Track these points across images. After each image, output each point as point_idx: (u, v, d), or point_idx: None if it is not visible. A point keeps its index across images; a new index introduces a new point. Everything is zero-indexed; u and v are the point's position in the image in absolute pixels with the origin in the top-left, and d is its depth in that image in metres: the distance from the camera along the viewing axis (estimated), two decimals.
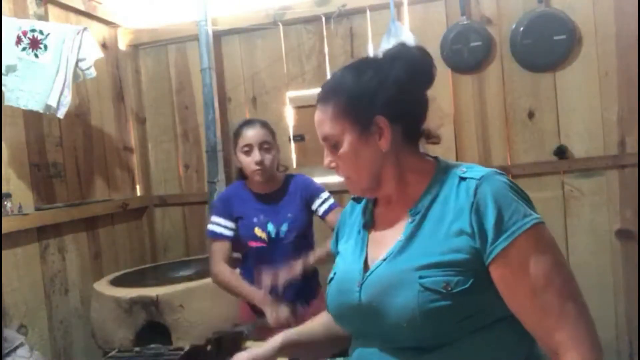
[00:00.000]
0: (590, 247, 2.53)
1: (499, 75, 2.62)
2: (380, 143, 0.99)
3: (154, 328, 2.17)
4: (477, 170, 0.96)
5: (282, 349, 1.18)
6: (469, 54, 2.59)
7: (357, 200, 1.19)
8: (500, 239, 0.88)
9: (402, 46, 1.04)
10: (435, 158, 1.06)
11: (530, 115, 2.59)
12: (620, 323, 2.51)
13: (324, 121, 1.02)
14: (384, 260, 0.98)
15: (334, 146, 1.02)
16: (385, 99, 0.98)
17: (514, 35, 2.55)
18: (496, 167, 2.59)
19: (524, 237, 0.87)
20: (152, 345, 1.74)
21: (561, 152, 2.53)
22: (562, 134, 2.56)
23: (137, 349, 1.74)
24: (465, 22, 2.59)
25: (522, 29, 2.52)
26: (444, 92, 2.67)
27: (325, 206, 2.02)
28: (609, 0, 2.46)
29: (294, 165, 2.91)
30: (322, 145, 1.06)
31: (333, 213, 2.00)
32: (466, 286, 0.88)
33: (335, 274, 1.11)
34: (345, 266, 1.09)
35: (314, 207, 2.02)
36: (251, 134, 1.92)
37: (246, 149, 1.91)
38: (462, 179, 0.96)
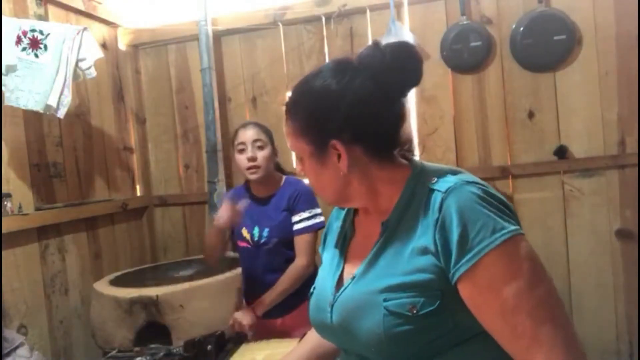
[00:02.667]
0: (590, 247, 2.53)
1: (499, 75, 2.62)
2: (339, 165, 0.92)
3: (154, 328, 2.17)
4: (446, 181, 0.88)
5: None
6: (469, 54, 2.59)
7: (342, 208, 1.14)
8: (464, 258, 0.80)
9: (374, 48, 0.95)
10: (411, 162, 0.98)
11: (530, 115, 2.59)
12: (620, 323, 2.51)
13: (287, 135, 0.98)
14: (353, 279, 0.94)
15: (300, 160, 0.99)
16: (340, 122, 0.90)
17: (514, 35, 2.55)
18: (496, 167, 2.63)
19: (492, 255, 0.79)
20: (152, 345, 1.75)
21: (561, 152, 2.53)
22: (562, 134, 2.56)
23: (137, 349, 1.74)
24: (465, 22, 2.59)
25: (522, 29, 2.52)
26: (444, 92, 2.67)
27: (300, 225, 1.98)
28: (609, 0, 2.46)
29: (294, 165, 2.90)
30: None
31: (301, 238, 1.97)
32: (433, 307, 0.82)
33: (314, 288, 1.07)
34: (322, 282, 1.05)
35: (293, 219, 1.99)
36: (244, 133, 1.99)
37: (240, 147, 1.99)
38: (431, 190, 0.88)
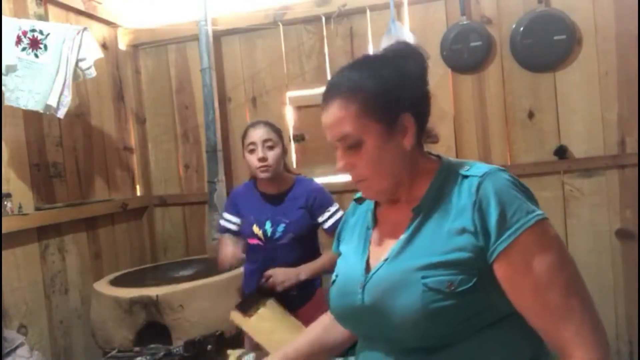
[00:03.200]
0: (590, 247, 2.53)
1: (499, 75, 2.62)
2: (403, 142, 0.96)
3: (154, 328, 2.17)
4: (480, 168, 0.95)
5: None
6: (469, 54, 2.59)
7: (360, 201, 1.17)
8: (503, 236, 0.87)
9: (404, 44, 1.03)
10: (438, 156, 1.05)
11: (530, 115, 2.59)
12: (620, 323, 2.51)
13: (343, 119, 0.96)
14: (386, 260, 0.97)
15: (353, 146, 0.96)
16: (411, 96, 0.97)
17: (514, 35, 2.55)
18: None
19: (527, 234, 0.86)
20: (152, 345, 1.75)
21: (561, 152, 2.53)
22: (562, 134, 2.56)
23: (137, 349, 1.74)
24: (465, 22, 2.59)
25: (522, 29, 2.52)
26: (444, 92, 2.67)
27: (332, 222, 2.01)
28: (609, 0, 2.46)
29: (294, 165, 2.90)
30: (333, 146, 1.01)
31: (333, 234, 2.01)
32: (470, 285, 0.87)
33: (337, 276, 1.09)
34: (347, 268, 1.07)
35: (320, 219, 2.02)
36: (255, 133, 1.99)
37: (251, 147, 1.98)
38: (464, 176, 0.95)
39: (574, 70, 2.52)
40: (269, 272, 1.91)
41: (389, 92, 0.95)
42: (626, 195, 2.48)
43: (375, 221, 1.09)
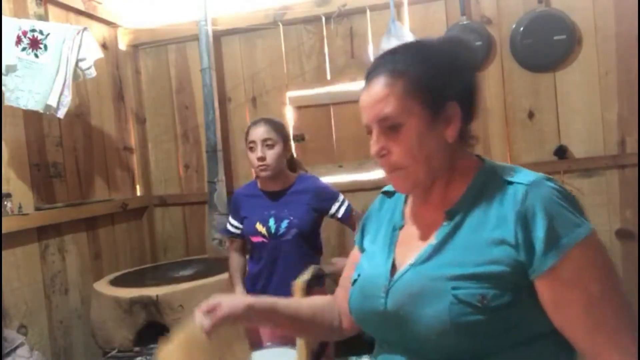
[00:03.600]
0: None
1: (499, 75, 2.62)
2: (446, 132, 0.89)
3: (154, 328, 2.17)
4: (526, 175, 0.88)
5: (252, 308, 0.98)
6: None
7: (389, 194, 1.09)
8: (550, 252, 0.79)
9: (457, 36, 1.00)
10: (479, 157, 0.97)
11: (530, 115, 2.59)
12: None
13: (386, 98, 0.88)
14: (413, 264, 0.90)
15: (392, 129, 0.88)
16: (460, 86, 0.90)
17: (514, 35, 2.55)
18: None
19: (577, 249, 0.80)
20: (152, 345, 1.75)
21: (561, 152, 2.53)
22: (562, 134, 2.56)
23: (137, 348, 1.74)
24: (465, 22, 2.59)
25: (522, 29, 2.52)
26: None
27: (343, 209, 2.06)
28: (609, 0, 2.46)
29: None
30: (367, 130, 0.93)
31: (351, 218, 2.07)
32: (504, 300, 0.80)
33: (359, 275, 1.01)
34: (370, 269, 1.00)
35: (332, 211, 2.06)
36: (255, 132, 2.00)
37: (251, 145, 1.99)
38: (509, 183, 0.87)
39: (574, 70, 2.52)
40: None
41: (438, 76, 0.88)
42: (626, 195, 2.48)
43: (402, 221, 1.01)
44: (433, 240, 0.90)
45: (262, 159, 1.96)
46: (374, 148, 0.91)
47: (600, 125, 2.50)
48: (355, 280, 1.01)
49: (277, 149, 1.99)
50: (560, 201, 0.83)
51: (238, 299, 1.04)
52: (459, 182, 0.92)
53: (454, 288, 0.82)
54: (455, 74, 0.90)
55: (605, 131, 2.50)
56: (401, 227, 1.01)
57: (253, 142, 1.98)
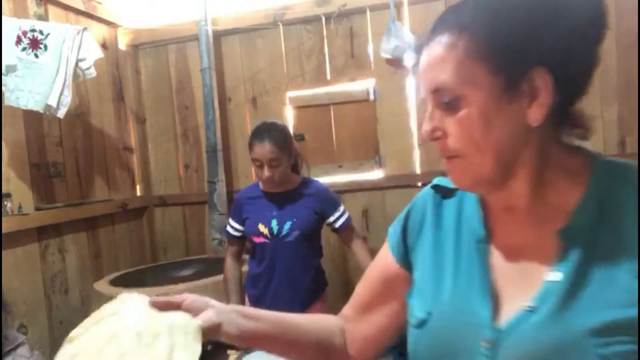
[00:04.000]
0: None
1: None
2: (529, 111, 0.63)
3: None
4: None
5: (236, 311, 0.78)
6: None
7: (446, 192, 0.79)
8: None
9: None
10: (587, 152, 0.72)
11: None
12: None
13: (444, 61, 0.64)
14: (532, 309, 0.63)
15: (450, 103, 0.64)
16: (555, 45, 0.61)
17: None
18: None
19: None
20: None
21: None
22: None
23: None
24: None
25: None
26: None
27: (342, 220, 2.07)
28: (609, 0, 2.45)
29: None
30: (426, 102, 0.68)
31: (347, 230, 2.08)
32: None
33: (430, 314, 0.71)
34: (454, 306, 0.70)
35: (330, 219, 2.06)
36: (260, 152, 1.94)
37: (257, 163, 1.97)
38: None
39: None
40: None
41: (519, 32, 0.61)
42: None
43: (488, 233, 0.72)
44: (557, 273, 0.63)
45: (270, 178, 1.95)
46: (424, 127, 0.67)
47: (600, 125, 2.50)
48: (423, 322, 0.72)
49: (284, 164, 1.97)
50: None
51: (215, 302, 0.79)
52: (565, 187, 0.66)
53: (596, 345, 0.58)
54: (547, 27, 0.61)
55: (605, 131, 2.50)
56: (488, 243, 0.71)
57: (259, 160, 1.95)
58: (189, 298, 0.76)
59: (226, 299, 2.07)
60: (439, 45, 0.66)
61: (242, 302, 2.10)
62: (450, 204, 0.78)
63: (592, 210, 0.64)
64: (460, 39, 0.64)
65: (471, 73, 0.63)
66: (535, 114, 0.63)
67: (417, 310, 0.74)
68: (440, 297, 0.71)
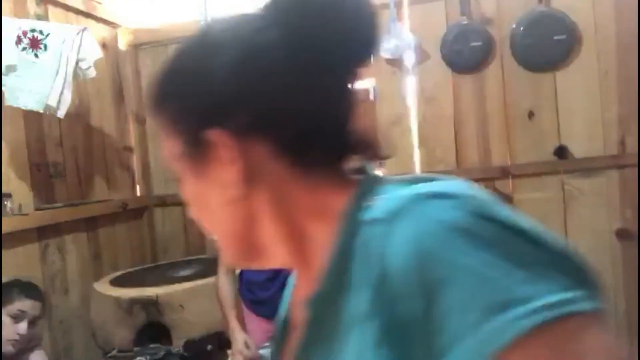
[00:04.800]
0: (590, 247, 2.52)
1: (499, 75, 2.62)
2: (223, 176, 0.52)
3: (154, 328, 2.18)
4: (390, 200, 0.46)
5: None
6: (469, 54, 2.59)
7: None
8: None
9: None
10: (361, 178, 0.54)
11: (530, 115, 2.59)
12: (620, 323, 2.51)
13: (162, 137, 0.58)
14: None
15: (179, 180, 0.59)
16: (226, 97, 0.51)
17: (514, 35, 2.55)
18: (496, 167, 2.63)
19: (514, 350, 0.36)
20: (152, 345, 1.75)
21: (561, 152, 2.53)
22: (562, 134, 2.55)
23: (137, 348, 1.74)
24: (465, 22, 2.59)
25: (522, 29, 2.52)
26: (444, 92, 2.67)
27: None
28: (609, 0, 2.46)
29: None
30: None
31: None
32: None
33: None
34: None
35: None
36: None
37: None
38: (363, 222, 0.47)
39: (574, 70, 2.52)
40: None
41: (192, 89, 0.54)
42: (626, 195, 2.48)
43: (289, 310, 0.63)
44: (298, 341, 0.52)
45: None
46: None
47: (600, 125, 2.50)
48: None
49: None
50: (464, 245, 0.39)
51: None
52: (323, 232, 0.51)
53: None
54: (211, 79, 0.53)
55: (605, 131, 2.50)
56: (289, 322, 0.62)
57: None
58: None
59: (222, 314, 2.02)
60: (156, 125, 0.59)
61: (240, 314, 2.07)
62: None
63: (335, 260, 0.48)
64: (155, 118, 0.58)
65: (171, 148, 0.57)
66: (229, 175, 0.51)
67: None
68: None
